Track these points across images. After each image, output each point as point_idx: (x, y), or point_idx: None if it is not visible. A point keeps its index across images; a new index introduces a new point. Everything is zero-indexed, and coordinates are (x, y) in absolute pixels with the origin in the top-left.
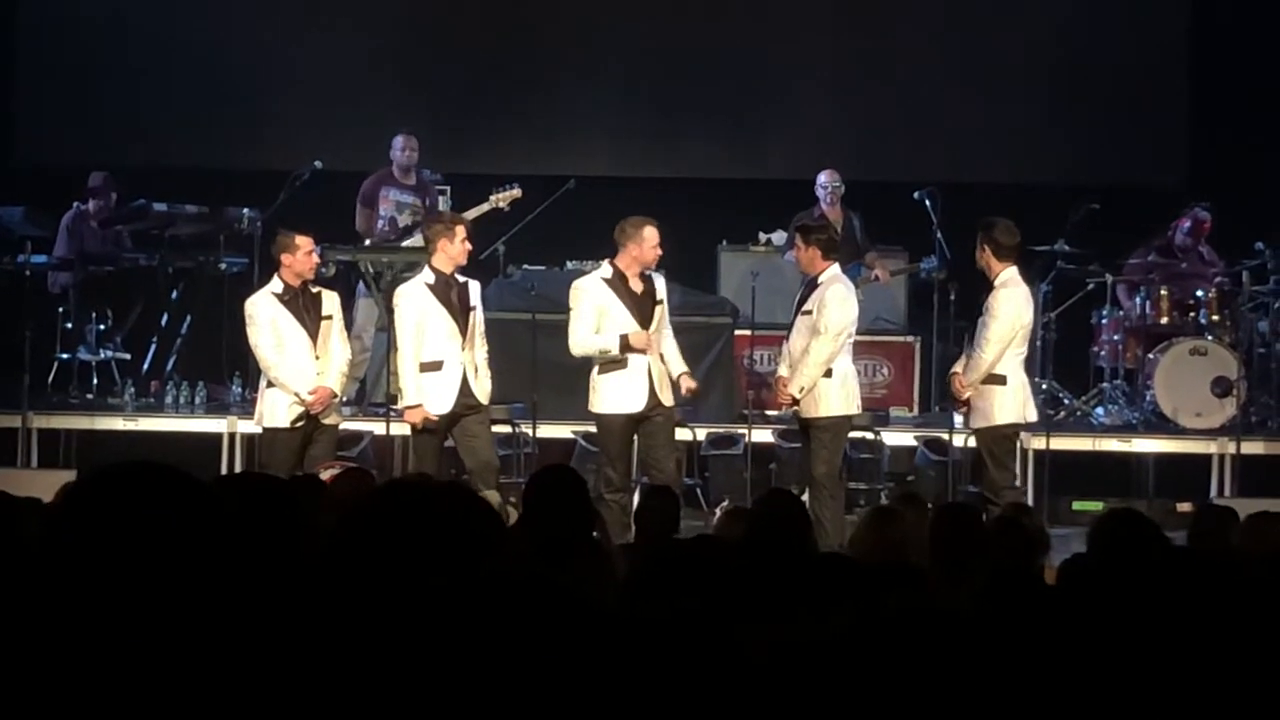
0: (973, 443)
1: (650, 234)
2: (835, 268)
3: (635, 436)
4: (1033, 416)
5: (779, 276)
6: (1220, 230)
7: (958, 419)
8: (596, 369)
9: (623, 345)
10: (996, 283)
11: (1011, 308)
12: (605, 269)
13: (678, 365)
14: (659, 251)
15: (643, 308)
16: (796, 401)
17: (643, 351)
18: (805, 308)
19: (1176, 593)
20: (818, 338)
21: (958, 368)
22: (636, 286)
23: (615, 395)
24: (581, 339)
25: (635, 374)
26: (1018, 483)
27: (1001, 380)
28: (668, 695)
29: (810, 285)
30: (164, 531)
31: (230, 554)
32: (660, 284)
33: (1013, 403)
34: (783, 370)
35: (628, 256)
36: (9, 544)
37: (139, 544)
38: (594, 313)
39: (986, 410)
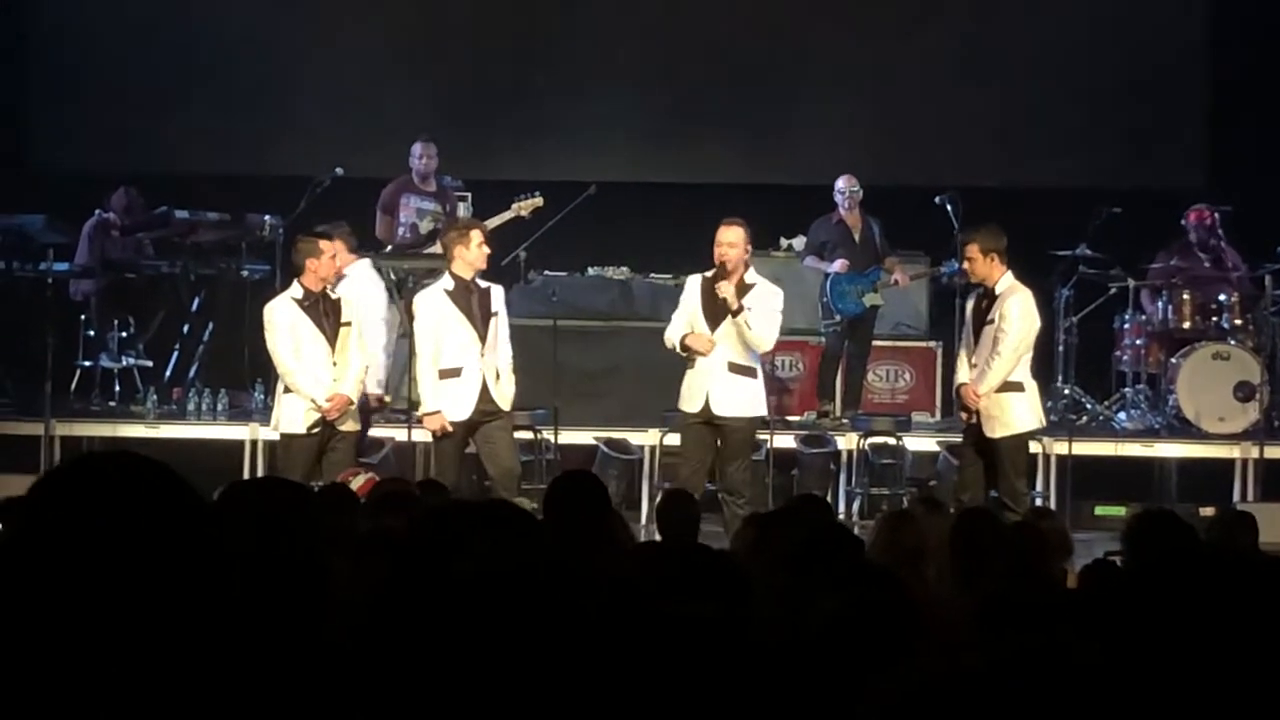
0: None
1: (721, 233)
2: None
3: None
4: (1043, 421)
5: (799, 282)
6: (1242, 234)
7: None
8: None
9: (682, 344)
10: (1000, 289)
11: (1026, 314)
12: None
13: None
14: (725, 251)
15: (716, 314)
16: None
17: (700, 353)
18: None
19: (1206, 595)
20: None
21: (964, 378)
22: (726, 290)
23: (682, 392)
24: (668, 332)
25: (699, 376)
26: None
27: (1019, 387)
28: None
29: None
30: (135, 524)
31: (210, 549)
32: (763, 290)
33: (1032, 409)
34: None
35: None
36: None
37: (107, 536)
38: (686, 308)
39: (1007, 419)
